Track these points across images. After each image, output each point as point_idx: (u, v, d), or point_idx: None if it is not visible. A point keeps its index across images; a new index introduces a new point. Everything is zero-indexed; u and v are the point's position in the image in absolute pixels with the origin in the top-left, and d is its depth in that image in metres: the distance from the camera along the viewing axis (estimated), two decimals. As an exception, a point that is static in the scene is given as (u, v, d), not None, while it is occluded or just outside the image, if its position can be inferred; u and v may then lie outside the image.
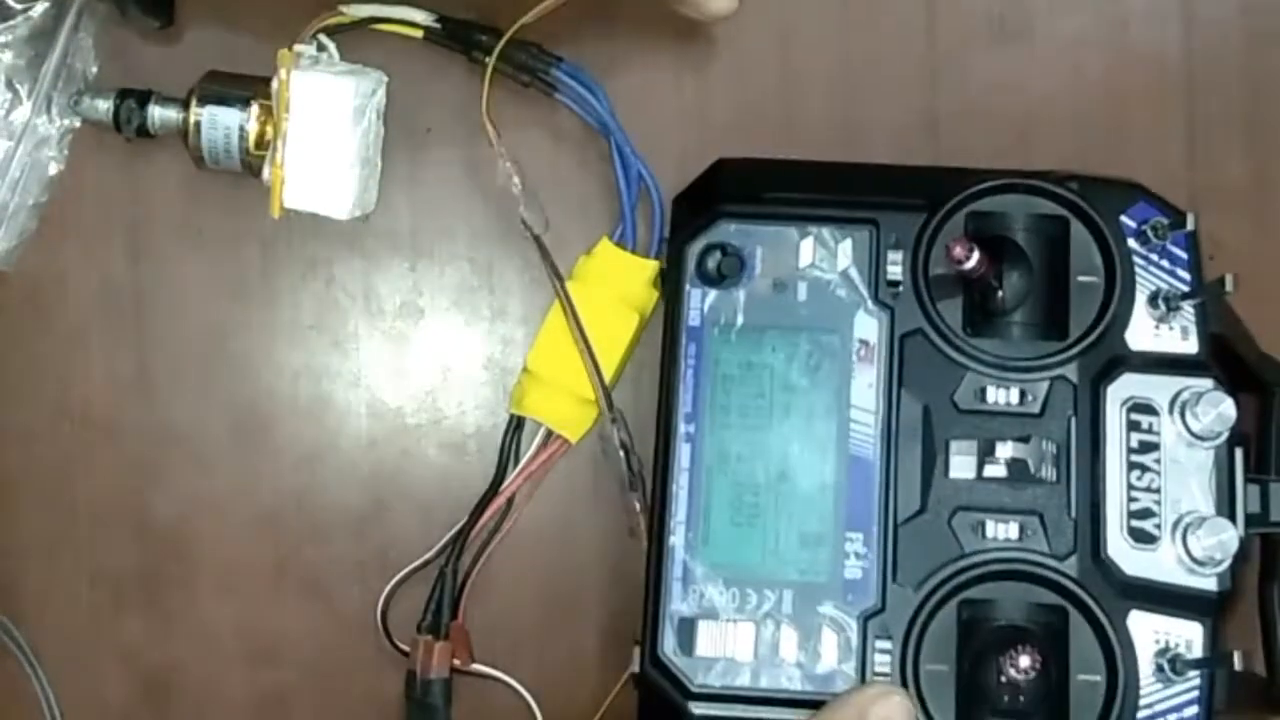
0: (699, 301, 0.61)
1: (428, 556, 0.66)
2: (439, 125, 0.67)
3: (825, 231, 0.61)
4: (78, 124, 0.67)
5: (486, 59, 0.64)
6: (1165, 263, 0.60)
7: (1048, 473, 0.58)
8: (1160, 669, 0.57)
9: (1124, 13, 0.68)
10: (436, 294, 0.68)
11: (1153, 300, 0.59)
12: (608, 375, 0.64)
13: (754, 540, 0.59)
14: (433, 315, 0.68)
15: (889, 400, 0.59)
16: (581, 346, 0.63)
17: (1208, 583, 0.57)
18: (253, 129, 0.64)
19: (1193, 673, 0.57)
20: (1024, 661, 0.57)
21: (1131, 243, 0.60)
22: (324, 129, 0.63)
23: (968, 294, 0.60)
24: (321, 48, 0.65)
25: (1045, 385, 0.59)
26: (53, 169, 0.68)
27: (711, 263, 0.61)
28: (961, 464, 0.59)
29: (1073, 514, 0.58)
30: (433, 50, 0.66)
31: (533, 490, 0.66)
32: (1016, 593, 0.58)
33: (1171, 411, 0.58)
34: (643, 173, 0.65)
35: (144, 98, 0.65)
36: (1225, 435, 0.58)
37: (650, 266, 0.65)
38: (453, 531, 0.65)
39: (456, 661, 0.65)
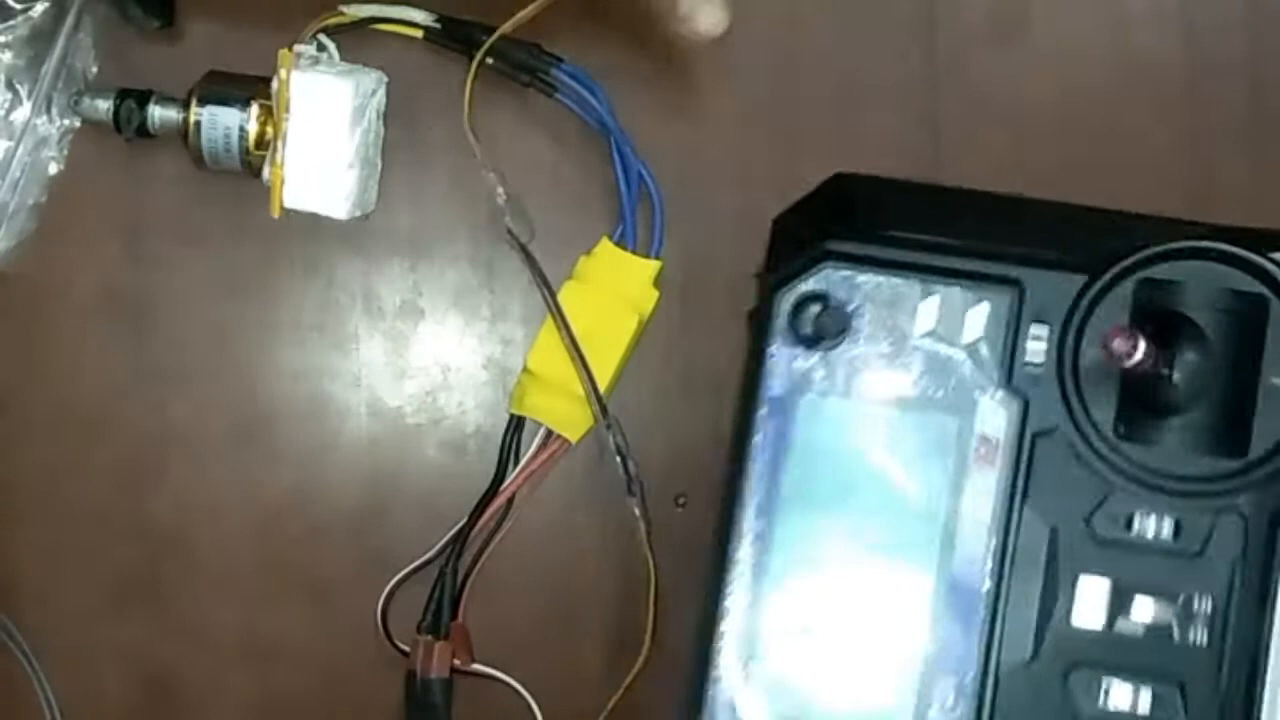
0: (786, 365, 0.49)
1: (428, 556, 0.66)
2: (439, 125, 0.67)
3: (955, 290, 0.48)
4: (78, 124, 0.67)
5: (479, 61, 0.64)
6: None
7: (1198, 634, 0.47)
8: None
9: (1124, 15, 0.68)
10: (436, 294, 0.68)
11: None
12: (607, 376, 0.64)
13: (821, 668, 0.48)
14: (433, 315, 0.68)
15: (1009, 515, 0.48)
16: (574, 354, 0.63)
17: None
18: (253, 129, 0.64)
19: None
20: None
21: None
22: (324, 129, 0.63)
23: (1124, 385, 0.48)
24: (321, 48, 0.65)
25: (1210, 518, 0.47)
26: (53, 169, 0.68)
27: (808, 316, 0.49)
28: (1089, 608, 0.47)
29: (1222, 688, 0.47)
30: (433, 50, 0.66)
31: (533, 490, 0.66)
32: None
33: None
34: (643, 173, 0.65)
35: (144, 98, 0.65)
36: None
37: (651, 266, 0.65)
38: (453, 531, 0.65)
39: (456, 661, 0.65)
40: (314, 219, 0.64)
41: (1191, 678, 0.47)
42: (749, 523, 0.48)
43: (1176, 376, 0.48)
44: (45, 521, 0.67)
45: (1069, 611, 0.47)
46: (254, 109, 0.64)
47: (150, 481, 0.67)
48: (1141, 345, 0.45)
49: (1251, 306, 0.48)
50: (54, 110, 0.67)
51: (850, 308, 0.49)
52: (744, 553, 0.48)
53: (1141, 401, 0.48)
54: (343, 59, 0.65)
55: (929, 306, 0.49)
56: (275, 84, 0.63)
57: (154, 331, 0.68)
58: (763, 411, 0.49)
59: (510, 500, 0.66)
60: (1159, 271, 0.48)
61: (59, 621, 0.67)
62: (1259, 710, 0.46)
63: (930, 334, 0.49)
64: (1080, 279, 0.48)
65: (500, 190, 0.64)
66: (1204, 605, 0.47)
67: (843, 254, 0.49)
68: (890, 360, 0.49)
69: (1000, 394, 0.48)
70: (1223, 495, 0.47)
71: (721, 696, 0.48)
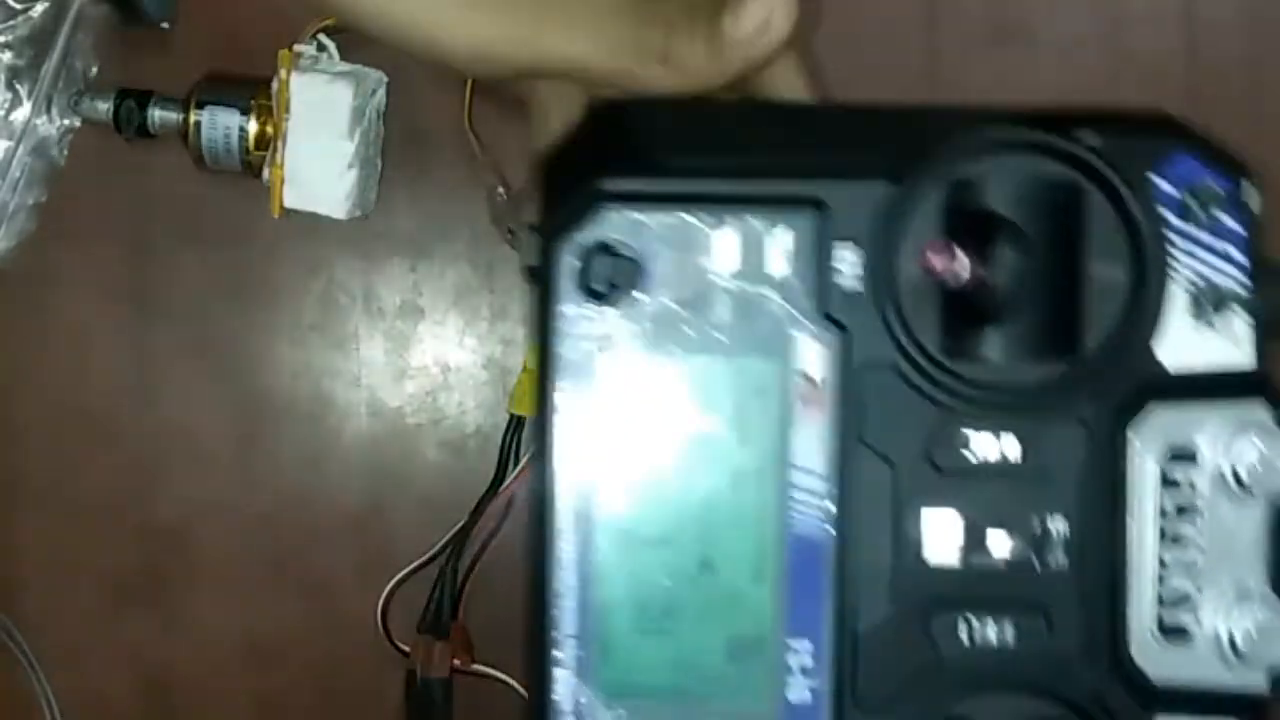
0: (578, 326, 0.43)
1: (428, 556, 0.66)
2: (439, 125, 0.67)
3: (750, 218, 0.43)
4: (78, 124, 0.67)
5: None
6: (1212, 239, 0.45)
7: (1056, 557, 0.44)
8: None
9: (1124, 14, 0.68)
10: (436, 294, 0.68)
11: (1194, 294, 0.44)
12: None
13: (667, 653, 0.44)
14: (433, 315, 0.68)
15: (843, 458, 0.43)
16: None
17: (1254, 680, 0.44)
18: (253, 129, 0.64)
19: None
20: None
21: (1167, 213, 0.44)
22: (324, 129, 0.63)
23: (946, 298, 0.44)
24: (321, 48, 0.65)
25: (1052, 430, 0.44)
26: (53, 169, 0.68)
27: (595, 270, 0.43)
28: (941, 546, 0.44)
29: (1087, 607, 0.44)
30: (433, 50, 0.66)
31: (533, 490, 0.66)
32: (1017, 706, 0.44)
33: (1216, 456, 0.44)
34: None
35: (144, 98, 0.65)
36: None
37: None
38: (453, 531, 0.65)
39: (456, 661, 0.65)
40: (314, 219, 0.64)
41: (1054, 602, 0.44)
42: (564, 505, 0.43)
43: (998, 281, 0.43)
44: (46, 522, 0.67)
45: (921, 552, 0.43)
46: (254, 109, 0.64)
47: (150, 481, 0.67)
48: (963, 259, 0.42)
49: (1068, 194, 0.44)
50: (54, 110, 0.68)
51: (639, 253, 0.43)
52: (565, 541, 0.44)
53: (965, 313, 0.44)
54: (343, 59, 0.65)
55: (725, 240, 0.43)
56: (275, 84, 0.63)
57: (154, 331, 0.68)
58: (560, 379, 0.43)
59: (510, 500, 0.66)
60: (967, 169, 0.43)
61: (59, 621, 0.67)
62: (1124, 624, 0.44)
63: (733, 271, 0.43)
64: (885, 188, 0.43)
65: (500, 190, 0.64)
66: (1058, 525, 0.44)
67: (620, 193, 0.43)
68: (693, 306, 0.43)
69: (817, 328, 0.43)
70: (1062, 402, 0.43)
71: (564, 700, 0.44)
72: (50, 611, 0.67)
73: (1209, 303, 0.44)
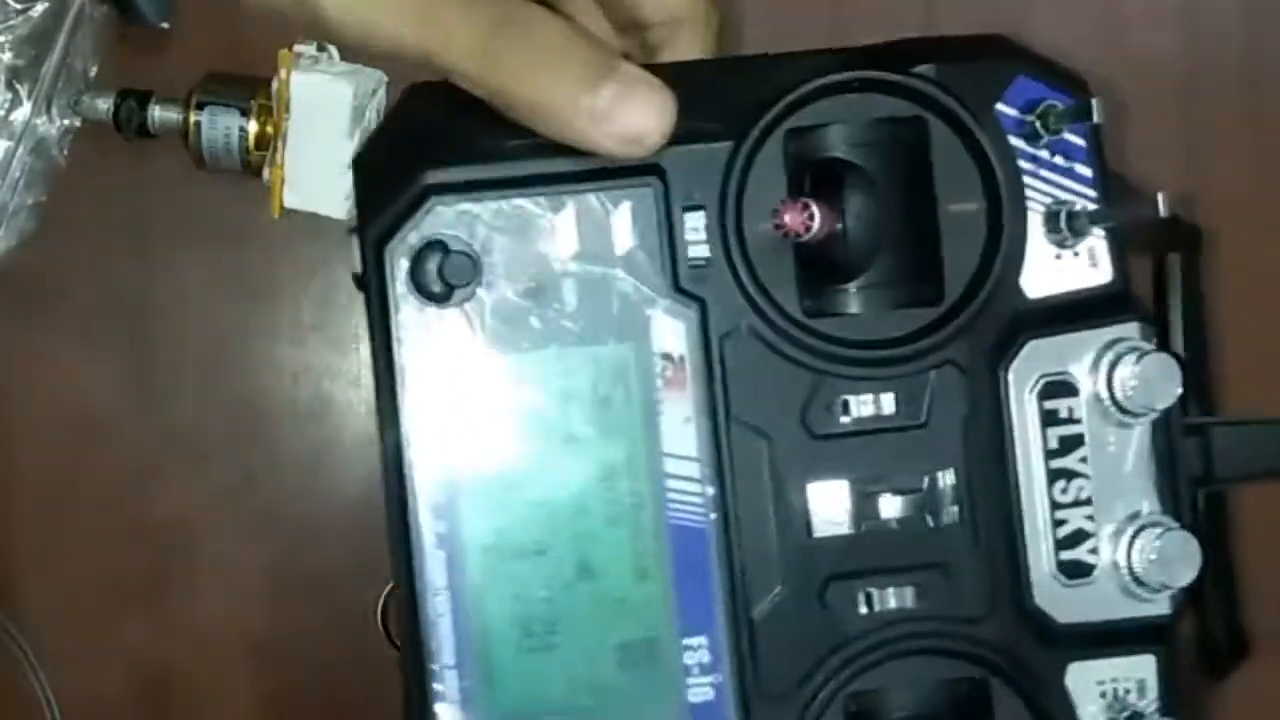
0: (418, 330, 0.40)
1: (428, 556, 0.66)
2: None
3: (589, 196, 0.40)
4: (78, 124, 0.67)
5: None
6: (1061, 160, 0.43)
7: (946, 511, 0.42)
8: None
9: (1123, 14, 0.68)
10: (436, 294, 0.68)
11: (1051, 218, 0.42)
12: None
13: (556, 670, 0.40)
14: (433, 315, 0.68)
15: (715, 437, 0.40)
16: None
17: (1159, 607, 0.42)
18: (253, 129, 0.64)
19: None
20: None
21: (1015, 140, 0.42)
22: (324, 129, 0.63)
23: (800, 254, 0.41)
24: (321, 48, 0.65)
25: (927, 379, 0.41)
26: (53, 169, 0.68)
27: (429, 268, 0.40)
28: (827, 517, 0.41)
29: (985, 558, 0.42)
30: (433, 50, 0.66)
31: (533, 490, 0.66)
32: (923, 671, 0.42)
33: (1094, 383, 0.42)
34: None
35: (144, 98, 0.65)
36: (1175, 400, 0.42)
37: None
38: (453, 531, 0.65)
39: (456, 661, 0.64)
40: (314, 219, 0.64)
41: (951, 554, 0.41)
42: (428, 524, 0.40)
43: (851, 231, 0.41)
44: (46, 522, 0.67)
45: (808, 526, 0.41)
46: (254, 109, 0.64)
47: (150, 481, 0.67)
48: (818, 216, 0.40)
49: (912, 132, 0.41)
50: (54, 110, 0.68)
51: (475, 246, 0.40)
52: (432, 563, 0.40)
53: (823, 269, 0.41)
54: (343, 59, 0.65)
55: (564, 222, 0.40)
56: (275, 84, 0.63)
57: (154, 332, 0.68)
58: (406, 391, 0.40)
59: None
60: (804, 118, 0.41)
61: (59, 621, 0.67)
62: (1024, 570, 0.42)
63: (577, 254, 0.40)
64: (723, 148, 0.40)
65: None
66: (945, 478, 0.41)
67: (447, 184, 0.40)
68: (539, 296, 0.40)
69: (671, 303, 0.40)
70: (933, 350, 0.41)
71: (444, 713, 0.41)
72: (50, 611, 0.67)
73: (1065, 225, 0.42)
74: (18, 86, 0.67)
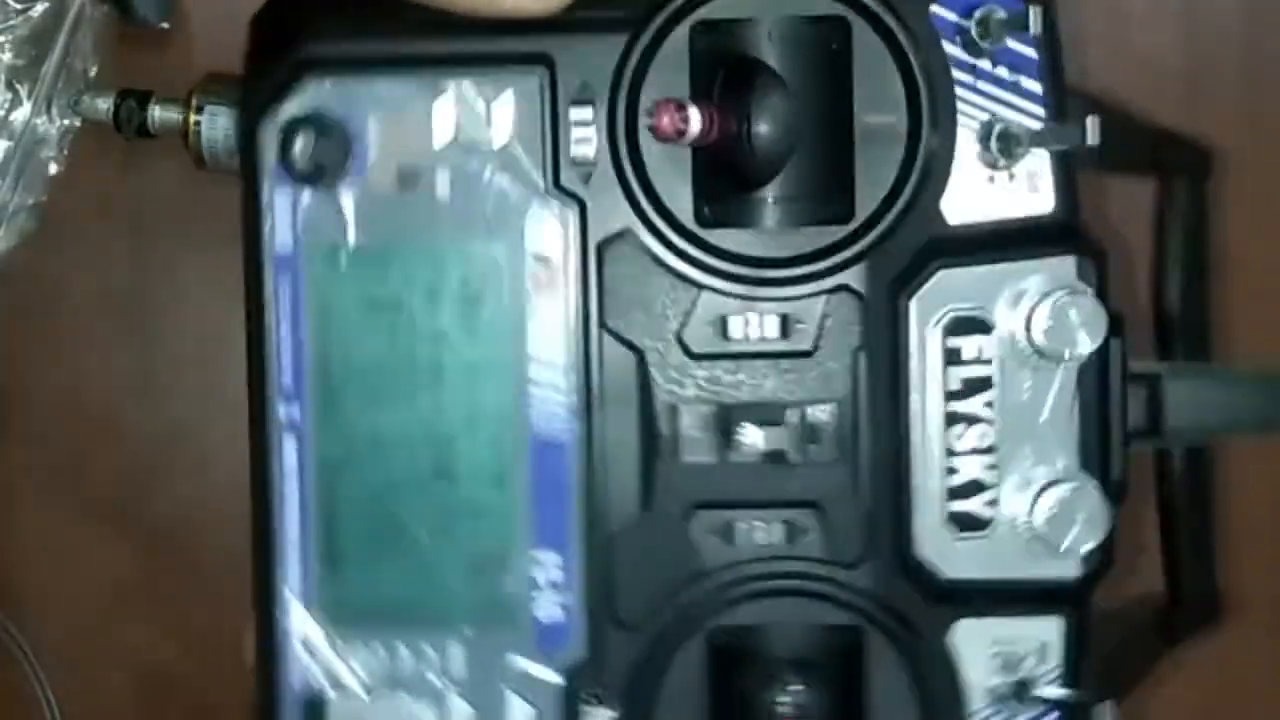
0: (288, 212, 0.39)
1: (428, 556, 0.66)
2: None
3: (469, 82, 0.38)
4: (78, 124, 0.67)
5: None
6: (1005, 72, 0.39)
7: (823, 447, 0.39)
8: (1001, 696, 0.40)
9: (1124, 14, 0.68)
10: (436, 294, 0.68)
11: (985, 136, 0.38)
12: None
13: (403, 569, 0.40)
14: (433, 315, 0.68)
15: (584, 346, 0.39)
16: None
17: (1066, 569, 0.39)
18: (253, 129, 0.64)
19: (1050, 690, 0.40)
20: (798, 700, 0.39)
21: (950, 48, 0.39)
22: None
23: (700, 159, 0.39)
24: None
25: (820, 304, 0.38)
26: (53, 169, 0.68)
27: (301, 146, 0.38)
28: (697, 441, 0.39)
29: (865, 502, 0.39)
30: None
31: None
32: (790, 612, 0.40)
33: (1012, 319, 0.38)
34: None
35: (144, 98, 0.65)
36: (1096, 346, 0.38)
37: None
38: (453, 531, 0.65)
39: (457, 661, 0.64)
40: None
41: (826, 494, 0.39)
42: (280, 411, 0.39)
43: (758, 136, 0.37)
44: (46, 522, 0.67)
45: (676, 448, 0.39)
46: (254, 109, 0.64)
47: (151, 481, 0.67)
48: (695, 118, 0.37)
49: (832, 32, 0.38)
50: (54, 110, 0.67)
51: (351, 126, 0.38)
52: (285, 450, 0.39)
53: (724, 175, 0.38)
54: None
55: (443, 108, 0.38)
56: (275, 84, 0.63)
57: (154, 331, 0.68)
58: (269, 273, 0.39)
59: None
60: (714, 11, 0.38)
61: (59, 621, 0.67)
62: (908, 517, 0.39)
63: (451, 143, 0.38)
64: (622, 40, 0.38)
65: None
66: (824, 412, 0.39)
67: (324, 58, 0.38)
68: (411, 185, 0.38)
69: (549, 201, 0.38)
70: (832, 272, 0.38)
71: (291, 620, 0.40)
72: (50, 611, 0.67)
73: (1002, 145, 0.38)
74: (18, 86, 0.67)
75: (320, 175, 0.39)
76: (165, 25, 0.67)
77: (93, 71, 0.68)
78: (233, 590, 0.67)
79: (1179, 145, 0.46)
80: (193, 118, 0.64)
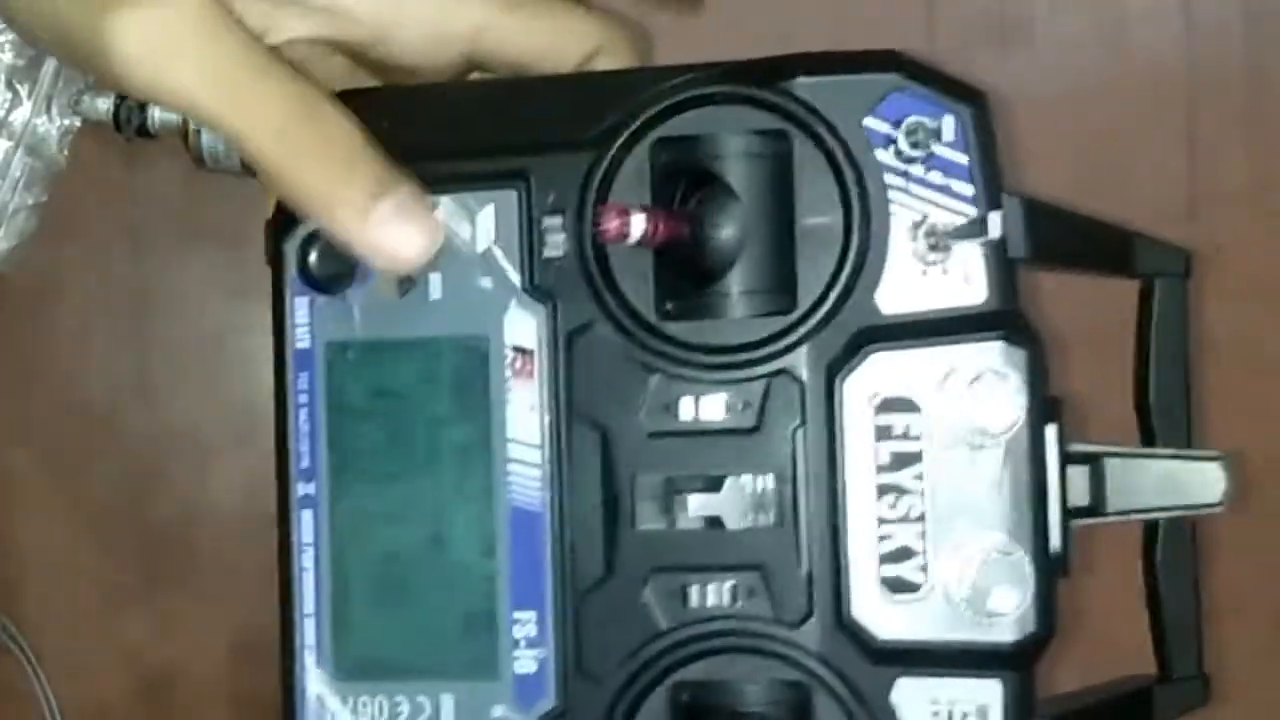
0: (306, 315, 0.44)
1: (428, 556, 0.66)
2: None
3: (456, 197, 0.43)
4: (78, 124, 0.67)
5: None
6: (937, 176, 0.42)
7: (765, 513, 0.42)
8: None
9: (1124, 14, 0.68)
10: (436, 294, 0.68)
11: (916, 235, 0.42)
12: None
13: (405, 625, 0.44)
14: (433, 315, 0.68)
15: (556, 426, 0.43)
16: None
17: (1000, 634, 0.42)
18: (253, 129, 0.64)
19: None
20: None
21: (882, 156, 0.42)
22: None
23: (660, 260, 0.43)
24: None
25: (763, 386, 0.42)
26: (53, 169, 0.68)
27: (314, 259, 0.44)
28: (650, 510, 0.43)
29: (804, 566, 0.42)
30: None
31: (533, 490, 0.66)
32: (742, 669, 0.43)
33: (941, 399, 0.41)
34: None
35: (144, 98, 0.65)
36: (1020, 423, 0.41)
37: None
38: (453, 531, 0.65)
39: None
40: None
41: (769, 558, 0.42)
42: (299, 488, 0.45)
43: (711, 239, 0.42)
44: (46, 522, 0.67)
45: (633, 517, 0.43)
46: (254, 109, 0.64)
47: (151, 481, 0.67)
48: (637, 222, 0.41)
49: (775, 145, 0.42)
50: (54, 110, 0.68)
51: None
52: (303, 523, 0.45)
53: (681, 273, 0.42)
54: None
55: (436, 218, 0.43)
56: (275, 84, 0.63)
57: (154, 331, 0.68)
58: (291, 368, 0.45)
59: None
60: (671, 128, 0.42)
61: (59, 621, 0.67)
62: (845, 581, 0.42)
63: (442, 250, 0.43)
64: (588, 156, 0.42)
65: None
66: (766, 482, 0.42)
67: None
68: (408, 287, 0.43)
69: (525, 299, 0.43)
70: (774, 357, 0.42)
71: (307, 675, 0.45)
72: (50, 611, 0.67)
73: (934, 242, 0.41)
74: (18, 86, 0.67)
75: (332, 282, 0.44)
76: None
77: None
78: (232, 590, 0.68)
79: (1158, 249, 0.47)
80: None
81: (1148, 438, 0.47)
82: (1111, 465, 0.44)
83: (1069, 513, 0.42)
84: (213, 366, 0.68)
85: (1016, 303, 0.42)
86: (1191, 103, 0.67)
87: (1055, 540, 0.42)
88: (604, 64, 0.46)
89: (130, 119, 0.66)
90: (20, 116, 0.67)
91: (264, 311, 0.67)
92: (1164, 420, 0.47)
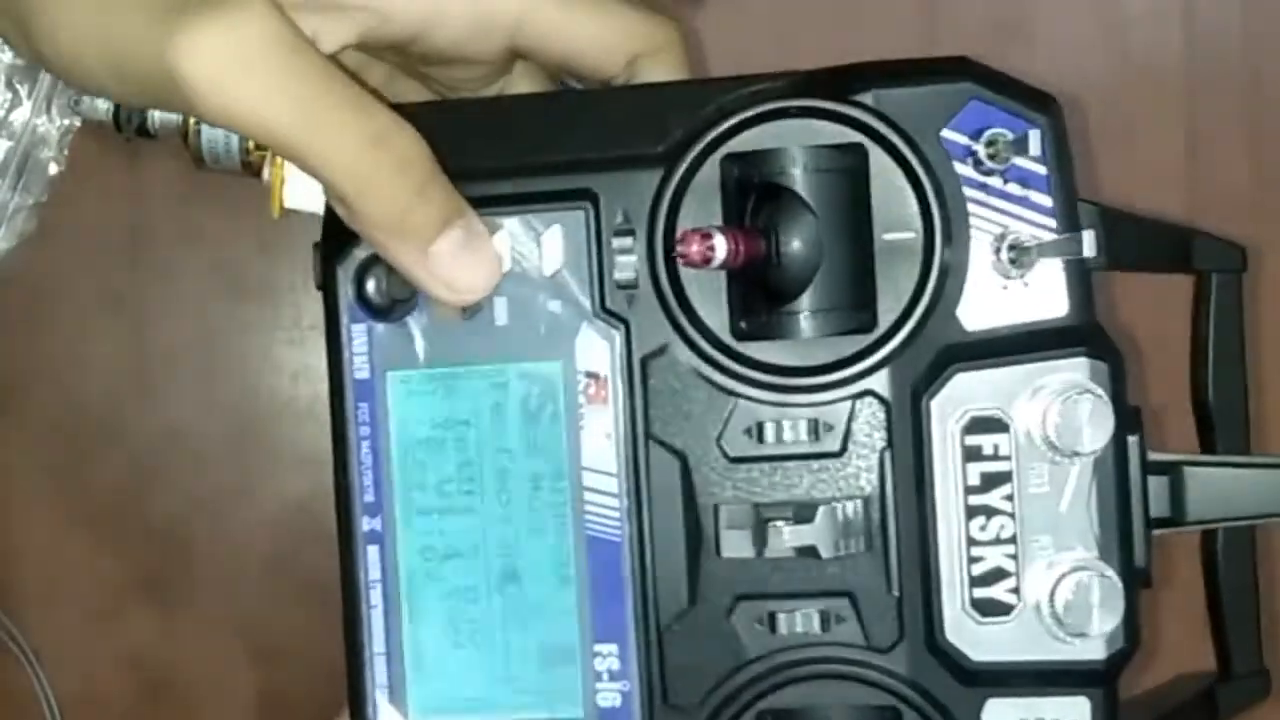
0: (365, 343, 0.43)
1: (428, 556, 0.66)
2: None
3: (521, 217, 0.42)
4: (78, 124, 0.67)
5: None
6: (1016, 188, 0.41)
7: (854, 540, 0.41)
8: None
9: (1124, 14, 0.68)
10: (436, 294, 0.68)
11: (997, 248, 0.41)
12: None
13: (481, 665, 0.43)
14: (433, 315, 0.68)
15: (633, 454, 0.42)
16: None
17: (1090, 651, 0.41)
18: (253, 129, 0.64)
19: None
20: None
21: (961, 169, 0.41)
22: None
23: (732, 280, 0.42)
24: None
25: (847, 408, 0.41)
26: (53, 169, 0.68)
27: (373, 285, 0.42)
28: (736, 538, 0.42)
29: (895, 589, 0.41)
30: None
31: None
32: (832, 695, 0.42)
33: (1028, 416, 0.41)
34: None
35: (144, 98, 0.65)
36: (1106, 442, 0.41)
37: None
38: (453, 532, 0.65)
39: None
40: (314, 219, 0.64)
41: (859, 583, 0.41)
42: (363, 524, 0.43)
43: (786, 256, 0.41)
44: (46, 522, 0.67)
45: (717, 546, 0.42)
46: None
47: (151, 481, 0.67)
48: (720, 244, 0.39)
49: (851, 159, 0.41)
50: (54, 110, 0.68)
51: None
52: (369, 560, 0.44)
53: (756, 293, 0.41)
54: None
55: (499, 243, 0.42)
56: (275, 84, 0.63)
57: (154, 331, 0.68)
58: (350, 398, 0.43)
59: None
60: (742, 144, 0.41)
61: (59, 621, 0.67)
62: (937, 604, 0.41)
63: (509, 274, 0.42)
64: (658, 173, 0.41)
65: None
66: (855, 508, 0.41)
67: None
68: (473, 312, 0.42)
69: (597, 323, 0.42)
70: (857, 378, 0.41)
71: (378, 714, 0.44)
72: (50, 611, 0.67)
73: (1014, 256, 0.41)
74: (18, 86, 0.67)
75: (391, 309, 0.42)
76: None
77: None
78: (232, 590, 0.68)
79: (1213, 244, 0.47)
80: (193, 118, 0.64)
81: (1206, 436, 0.46)
82: (1191, 474, 0.43)
83: (1150, 524, 0.42)
84: (213, 366, 0.68)
85: (1094, 313, 0.41)
86: (1192, 104, 0.67)
87: (1140, 553, 0.42)
88: (652, 65, 0.45)
89: (130, 119, 0.66)
90: (20, 116, 0.67)
91: (263, 311, 0.67)
92: (1224, 418, 0.46)
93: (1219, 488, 0.44)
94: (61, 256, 0.68)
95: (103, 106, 0.66)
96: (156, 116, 0.65)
